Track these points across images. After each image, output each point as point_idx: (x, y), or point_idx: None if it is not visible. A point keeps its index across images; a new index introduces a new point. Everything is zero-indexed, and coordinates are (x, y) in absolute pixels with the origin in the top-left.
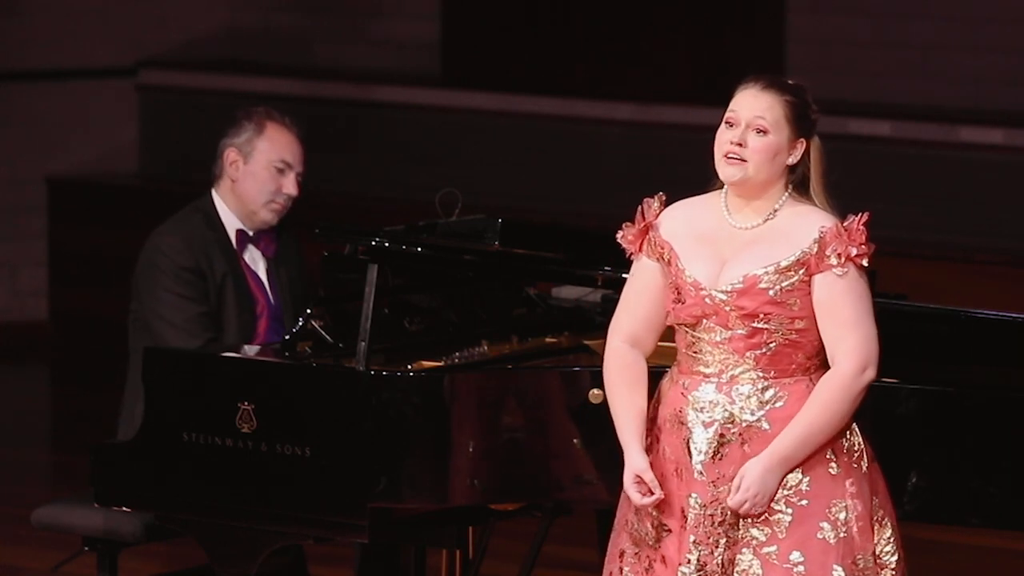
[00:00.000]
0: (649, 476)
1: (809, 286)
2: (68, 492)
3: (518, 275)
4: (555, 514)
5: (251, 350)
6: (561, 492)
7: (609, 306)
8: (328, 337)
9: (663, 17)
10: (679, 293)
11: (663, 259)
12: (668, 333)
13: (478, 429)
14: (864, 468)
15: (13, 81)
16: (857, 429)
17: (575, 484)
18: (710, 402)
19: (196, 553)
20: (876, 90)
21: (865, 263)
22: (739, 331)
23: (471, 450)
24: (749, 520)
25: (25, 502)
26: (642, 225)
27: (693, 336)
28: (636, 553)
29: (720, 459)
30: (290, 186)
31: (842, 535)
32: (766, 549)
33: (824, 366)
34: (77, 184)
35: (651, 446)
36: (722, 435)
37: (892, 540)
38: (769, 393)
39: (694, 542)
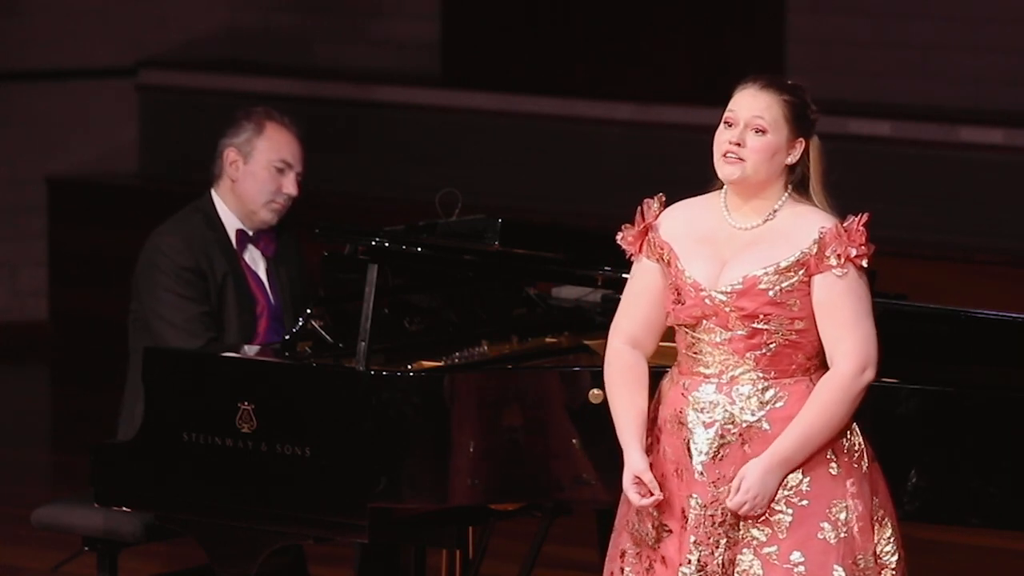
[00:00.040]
0: (648, 477)
1: (809, 286)
2: (68, 492)
3: (518, 275)
4: (555, 514)
5: (251, 350)
6: (561, 492)
7: (609, 306)
8: (328, 337)
9: (663, 17)
10: (679, 294)
11: (663, 260)
12: (669, 333)
13: (478, 429)
14: (864, 468)
15: (13, 81)
16: (857, 429)
17: (575, 484)
18: (710, 403)
19: (196, 553)
20: (876, 90)
21: (865, 264)
22: (739, 332)
23: (471, 450)
24: (749, 520)
25: (25, 502)
26: (642, 226)
27: (693, 337)
28: (637, 553)
29: (720, 459)
30: (290, 186)
31: (843, 535)
32: (766, 549)
33: (824, 366)
34: (77, 184)
35: (651, 446)
36: (722, 435)
37: (892, 540)
38: (769, 393)
39: (694, 542)
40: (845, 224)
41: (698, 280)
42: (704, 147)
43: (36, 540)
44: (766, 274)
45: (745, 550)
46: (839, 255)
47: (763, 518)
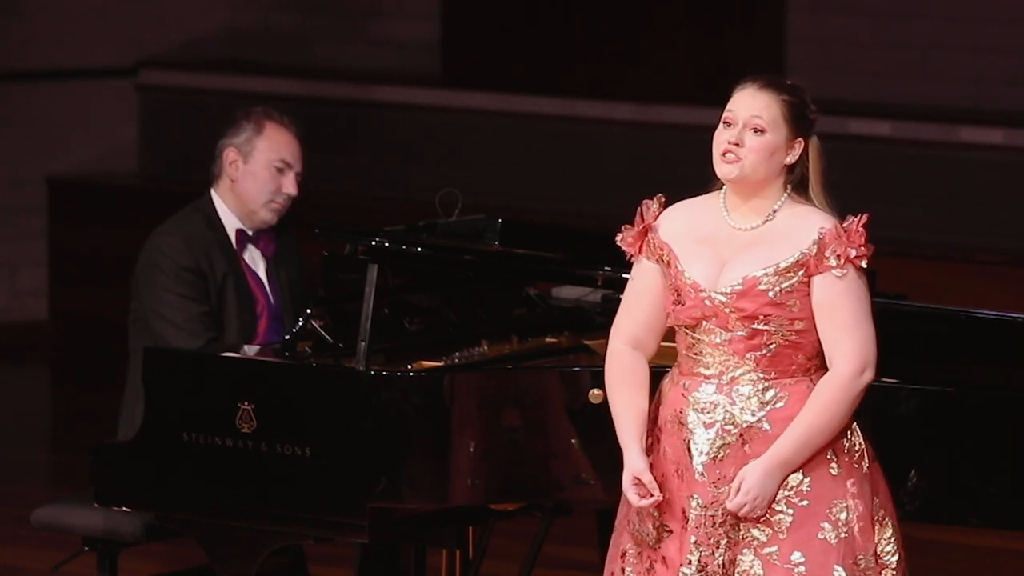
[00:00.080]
0: (648, 478)
1: (808, 287)
2: (68, 492)
3: (518, 275)
4: (555, 514)
5: (251, 350)
6: (561, 492)
7: (609, 306)
8: (328, 337)
9: (663, 17)
10: (679, 295)
11: (662, 261)
12: (670, 333)
13: (478, 429)
14: (865, 468)
15: (13, 81)
16: (858, 429)
17: (575, 484)
18: (711, 403)
19: (196, 553)
20: (876, 90)
21: (864, 264)
22: (739, 333)
23: (471, 450)
24: (750, 521)
25: (25, 502)
26: (641, 227)
27: (693, 338)
28: (638, 553)
29: (721, 460)
30: (290, 186)
31: (843, 535)
32: (767, 549)
33: (824, 366)
34: (77, 184)
35: (652, 447)
36: (723, 436)
37: (893, 540)
38: (770, 394)
39: (695, 543)
40: (845, 225)
41: (698, 281)
42: (704, 147)
43: (36, 540)
44: (766, 275)
45: (746, 550)
46: (838, 256)
47: (763, 518)
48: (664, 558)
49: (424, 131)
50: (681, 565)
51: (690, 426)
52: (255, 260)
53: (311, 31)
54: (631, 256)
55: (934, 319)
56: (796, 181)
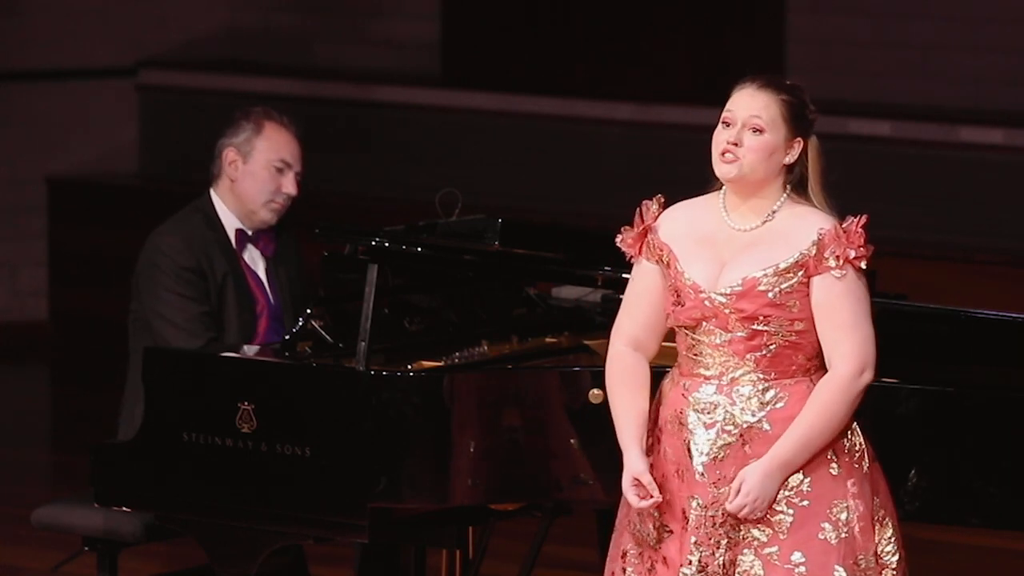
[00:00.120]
0: (647, 479)
1: (808, 288)
2: (68, 492)
3: (518, 275)
4: (555, 514)
5: (251, 350)
6: (561, 492)
7: (609, 306)
8: (328, 337)
9: (663, 17)
10: (678, 295)
11: (662, 261)
12: (670, 333)
13: (478, 429)
14: (865, 468)
15: (13, 81)
16: (858, 429)
17: (575, 484)
18: (711, 403)
19: (196, 553)
20: (876, 90)
21: (863, 265)
22: (739, 334)
23: (471, 450)
24: (750, 521)
25: (25, 502)
26: (641, 228)
27: (693, 339)
28: (639, 553)
29: (721, 460)
30: (289, 185)
31: (843, 535)
32: (767, 550)
33: (824, 366)
34: (77, 184)
35: (652, 447)
36: (723, 436)
37: (893, 540)
38: (770, 394)
39: (695, 543)
40: (844, 225)
41: (697, 282)
42: (704, 147)
43: (36, 540)
44: (765, 276)
45: (746, 551)
46: (838, 257)
47: (764, 518)
48: (665, 558)
49: (424, 131)
50: (681, 565)
51: (690, 426)
52: (255, 260)
53: (311, 31)
54: (631, 257)
55: (934, 319)
56: (795, 181)
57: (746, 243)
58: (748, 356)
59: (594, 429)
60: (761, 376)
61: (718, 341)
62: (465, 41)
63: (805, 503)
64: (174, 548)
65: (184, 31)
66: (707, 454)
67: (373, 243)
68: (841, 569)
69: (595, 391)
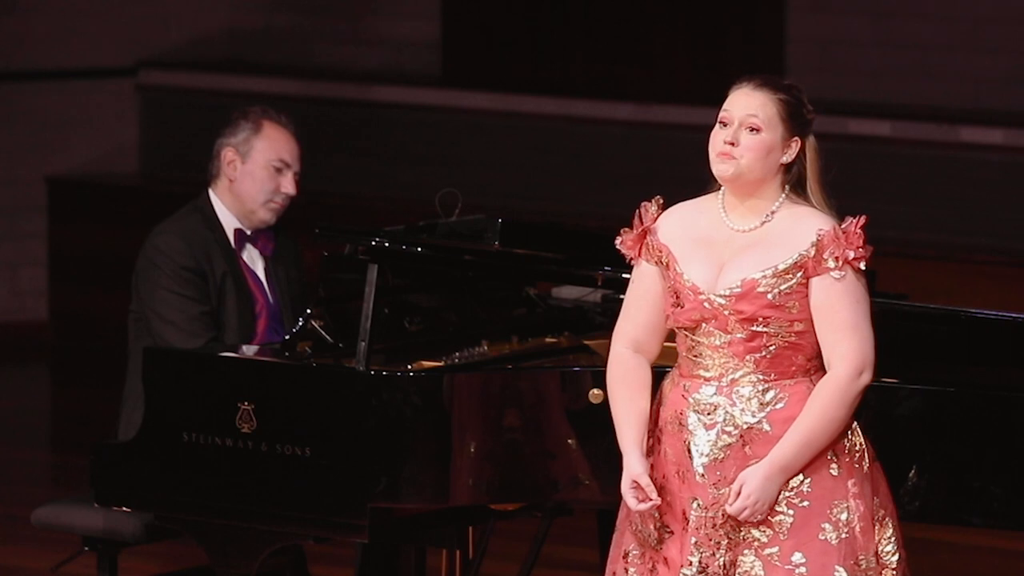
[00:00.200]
0: (645, 481)
1: (807, 289)
2: (68, 492)
3: (518, 275)
4: (555, 514)
5: (251, 350)
6: (561, 492)
7: (609, 306)
8: (328, 337)
9: (663, 17)
10: (678, 297)
11: (661, 263)
12: (671, 333)
13: (478, 429)
14: (865, 468)
15: (13, 81)
16: (858, 429)
17: (575, 484)
18: (711, 404)
19: (196, 553)
20: (876, 90)
21: (863, 266)
22: (738, 335)
23: (471, 450)
24: (750, 522)
25: (25, 502)
26: (640, 229)
27: (693, 340)
28: (641, 554)
29: (721, 461)
30: (288, 185)
31: (844, 536)
32: (768, 550)
33: (824, 367)
34: (77, 184)
35: (652, 448)
36: (723, 437)
37: (893, 539)
38: (770, 395)
39: (695, 544)
40: (843, 226)
41: (696, 283)
42: (705, 147)
43: (36, 540)
44: (764, 277)
45: (746, 551)
46: (837, 258)
47: (764, 519)
48: (666, 559)
49: (424, 131)
50: (682, 566)
51: (690, 427)
52: (253, 260)
53: (311, 31)
54: (631, 259)
55: (934, 319)
56: (793, 181)
57: (745, 244)
58: (748, 357)
59: (594, 429)
60: (761, 377)
61: (718, 342)
62: (465, 41)
63: (805, 504)
64: (174, 548)
65: (184, 31)
66: (707, 455)
67: (373, 243)
68: (842, 570)
69: (595, 391)
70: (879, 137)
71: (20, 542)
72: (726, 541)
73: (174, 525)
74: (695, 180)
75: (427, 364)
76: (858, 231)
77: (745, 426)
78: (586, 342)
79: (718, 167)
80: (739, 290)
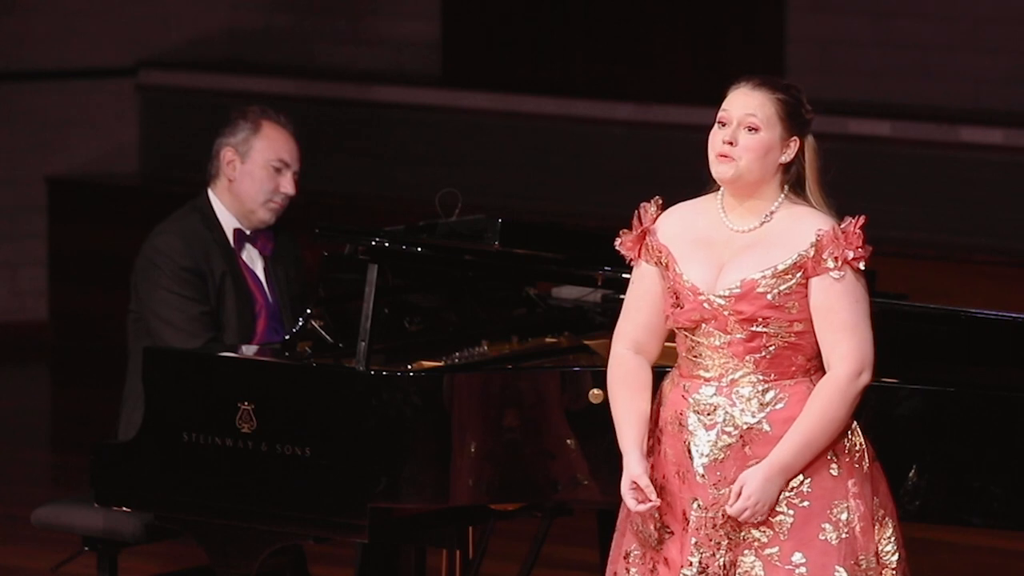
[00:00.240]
0: (645, 482)
1: (806, 289)
2: (68, 492)
3: (518, 275)
4: (555, 514)
5: (251, 350)
6: (561, 492)
7: (609, 306)
8: (328, 337)
9: (663, 17)
10: (677, 297)
11: (661, 263)
12: (671, 333)
13: (478, 429)
14: (865, 468)
15: (13, 81)
16: (858, 429)
17: (575, 484)
18: (711, 405)
19: (196, 553)
20: (876, 90)
21: (862, 266)
22: (738, 335)
23: (471, 450)
24: (751, 522)
25: (25, 502)
26: (639, 230)
27: (692, 340)
28: (642, 555)
29: (721, 462)
30: (287, 185)
31: (844, 536)
32: (768, 551)
33: (824, 367)
34: (77, 184)
35: (653, 448)
36: (723, 437)
37: (893, 539)
38: (770, 395)
39: (696, 544)
40: (842, 226)
41: (696, 284)
42: (705, 147)
43: (36, 540)
44: (764, 277)
45: (747, 551)
46: (836, 258)
47: (764, 519)
48: (666, 559)
49: (424, 131)
50: (682, 567)
51: (690, 428)
52: (253, 259)
53: (311, 31)
54: (630, 260)
55: (934, 319)
56: (792, 181)
57: (744, 244)
58: (748, 357)
59: (594, 429)
60: (761, 377)
61: (717, 343)
62: (465, 41)
63: (805, 504)
64: (174, 548)
65: (184, 31)
66: (707, 455)
67: (373, 243)
68: (842, 570)
69: (595, 391)
70: (879, 137)
71: (20, 542)
72: (726, 541)
73: (174, 525)
74: (695, 180)
75: (427, 364)
76: (857, 231)
77: (745, 426)
78: (586, 342)
79: (717, 169)
80: (738, 290)
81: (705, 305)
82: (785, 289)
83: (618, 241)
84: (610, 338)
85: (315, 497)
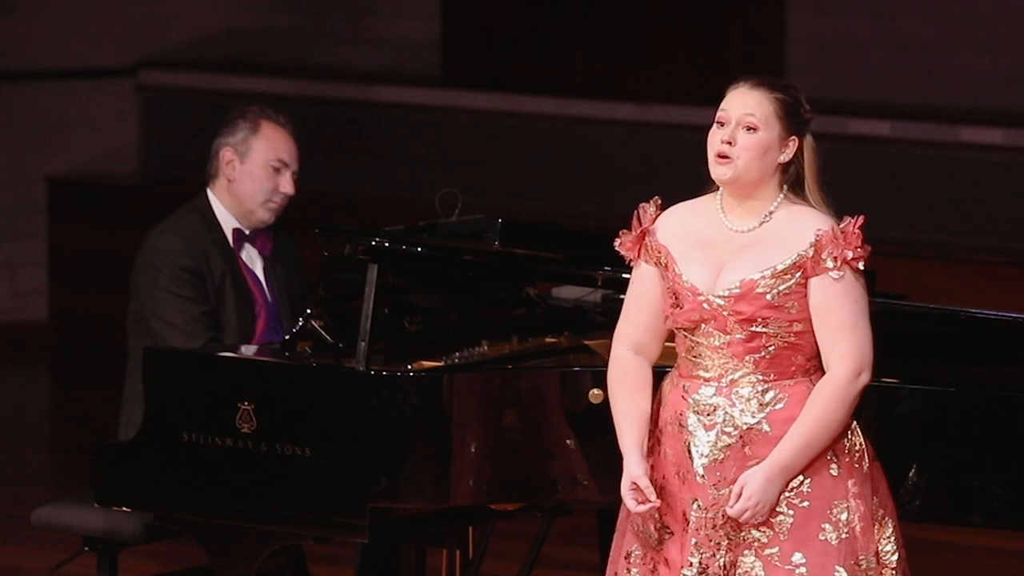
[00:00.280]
0: (645, 483)
1: (806, 289)
2: (68, 492)
3: (518, 275)
4: (555, 514)
5: (250, 350)
6: (561, 492)
7: (609, 306)
8: (328, 337)
9: (663, 17)
10: (677, 298)
11: (660, 263)
12: (671, 333)
13: (478, 429)
14: (865, 468)
15: (13, 81)
16: (858, 429)
17: (575, 484)
18: (711, 405)
19: (196, 553)
20: (876, 90)
21: (861, 266)
22: (737, 336)
23: (471, 450)
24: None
25: (25, 502)
26: (639, 231)
27: (692, 341)
28: (642, 555)
29: (721, 462)
30: (287, 185)
31: (844, 536)
32: (768, 551)
33: (824, 367)
34: (77, 184)
35: (653, 448)
36: (723, 438)
37: (893, 539)
38: (769, 395)
39: (696, 545)
40: (841, 226)
41: (695, 284)
42: (704, 147)
43: (36, 540)
44: (763, 278)
45: (747, 552)
46: (835, 258)
47: (764, 520)
48: (667, 560)
49: (424, 131)
50: (683, 567)
51: (690, 428)
52: (252, 259)
53: (311, 31)
54: (630, 261)
55: (934, 319)
56: (791, 181)
57: (744, 244)
58: (747, 358)
59: (594, 429)
60: (761, 377)
61: (717, 343)
62: (465, 41)
63: (805, 504)
64: (174, 548)
65: (184, 31)
66: (707, 456)
67: (373, 243)
68: (842, 570)
69: (595, 391)
70: (879, 137)
71: (20, 542)
72: (726, 542)
73: (174, 525)
74: (695, 180)
75: (427, 364)
76: (856, 231)
77: (745, 427)
78: (586, 342)
79: (716, 170)
80: (738, 291)
81: (704, 305)
82: (784, 289)
83: (617, 242)
84: (610, 338)
85: (315, 497)
